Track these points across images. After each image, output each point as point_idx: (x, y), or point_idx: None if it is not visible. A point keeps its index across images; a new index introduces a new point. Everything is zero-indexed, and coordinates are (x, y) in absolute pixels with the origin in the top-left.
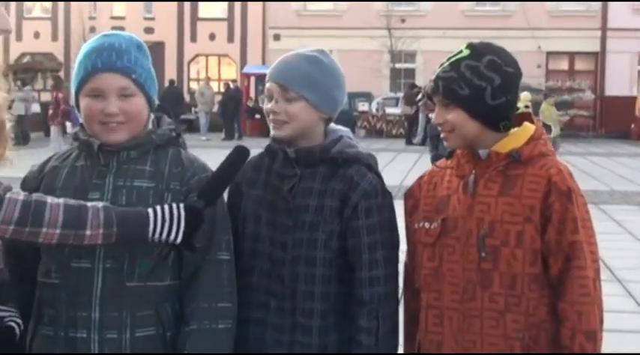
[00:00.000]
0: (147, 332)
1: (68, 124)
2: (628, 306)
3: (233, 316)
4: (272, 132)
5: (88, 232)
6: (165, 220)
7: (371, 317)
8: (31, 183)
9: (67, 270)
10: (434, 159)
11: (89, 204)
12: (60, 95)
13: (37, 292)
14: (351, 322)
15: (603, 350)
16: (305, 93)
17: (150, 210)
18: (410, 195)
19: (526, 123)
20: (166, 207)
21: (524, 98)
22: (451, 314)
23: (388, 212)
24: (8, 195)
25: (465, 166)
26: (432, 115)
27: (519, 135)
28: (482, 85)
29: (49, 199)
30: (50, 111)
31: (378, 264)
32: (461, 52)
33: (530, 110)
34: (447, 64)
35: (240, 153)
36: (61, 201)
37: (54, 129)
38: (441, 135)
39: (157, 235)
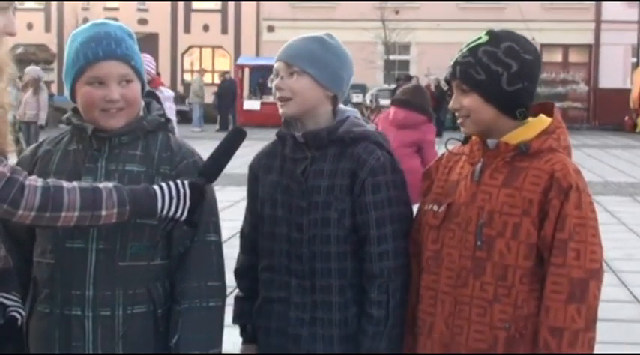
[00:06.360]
0: (139, 309)
1: None
2: (621, 296)
3: (222, 294)
4: (280, 111)
5: (104, 213)
6: (173, 197)
7: (381, 290)
8: (24, 167)
9: (62, 250)
10: None
11: (100, 185)
12: None
13: (33, 272)
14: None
15: (598, 339)
16: (308, 68)
17: (156, 188)
18: (426, 176)
19: (542, 116)
20: (172, 184)
21: None
22: (444, 298)
23: (399, 187)
24: (27, 182)
25: (476, 153)
26: None
27: (531, 127)
28: (499, 71)
29: (65, 183)
30: None
31: (387, 238)
32: (480, 38)
33: None
34: (465, 49)
35: (238, 133)
36: (75, 184)
37: None
38: (458, 121)
39: (164, 212)
